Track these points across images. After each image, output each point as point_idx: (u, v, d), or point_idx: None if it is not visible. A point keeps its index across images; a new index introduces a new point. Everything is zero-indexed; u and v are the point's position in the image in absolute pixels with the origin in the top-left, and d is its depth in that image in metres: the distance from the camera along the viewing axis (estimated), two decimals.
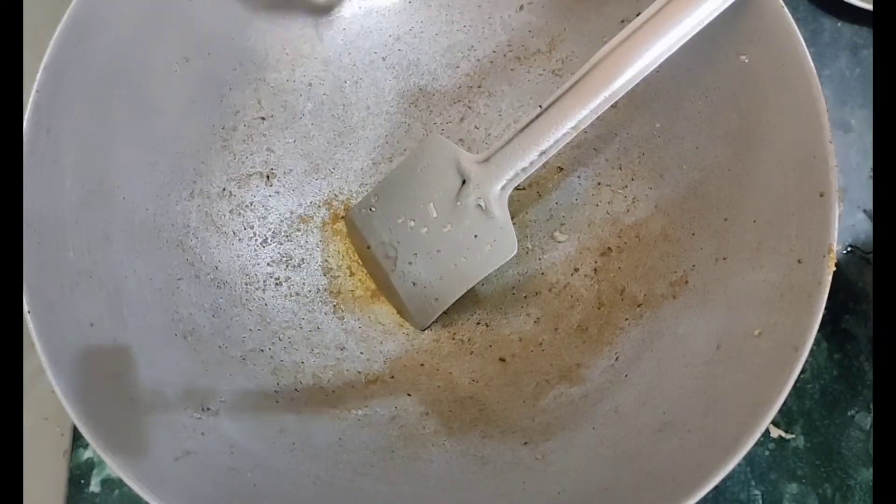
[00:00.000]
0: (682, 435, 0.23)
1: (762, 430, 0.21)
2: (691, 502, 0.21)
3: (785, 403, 0.30)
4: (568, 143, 0.25)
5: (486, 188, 0.26)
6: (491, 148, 0.26)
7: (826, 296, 0.22)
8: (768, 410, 0.22)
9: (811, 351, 0.30)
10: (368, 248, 0.29)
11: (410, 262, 0.28)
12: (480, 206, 0.26)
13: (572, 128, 0.24)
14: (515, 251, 0.26)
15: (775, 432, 0.30)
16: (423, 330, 0.29)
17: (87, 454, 0.30)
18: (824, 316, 0.22)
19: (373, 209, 0.28)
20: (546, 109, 0.25)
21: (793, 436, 0.30)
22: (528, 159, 0.25)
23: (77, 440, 0.30)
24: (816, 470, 0.30)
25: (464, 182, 0.26)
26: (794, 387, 0.30)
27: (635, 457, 0.23)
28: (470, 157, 0.26)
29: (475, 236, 0.26)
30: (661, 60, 0.24)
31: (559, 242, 0.29)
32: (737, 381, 0.23)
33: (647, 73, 0.24)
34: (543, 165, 0.26)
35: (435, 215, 0.27)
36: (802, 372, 0.31)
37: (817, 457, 0.30)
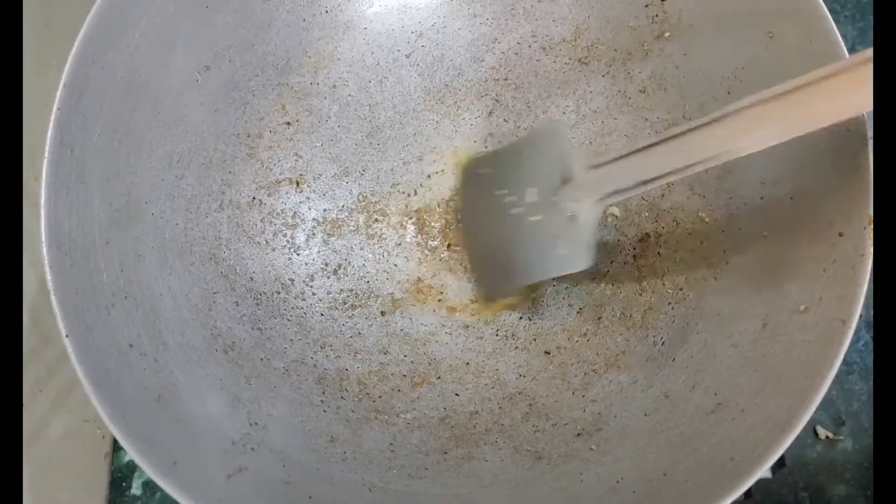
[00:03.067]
0: (735, 415, 0.23)
1: (816, 404, 0.22)
2: (751, 481, 0.21)
3: (833, 405, 0.30)
4: (599, 131, 0.24)
5: (582, 195, 0.25)
6: (602, 157, 0.25)
7: (870, 267, 0.22)
8: (821, 384, 0.22)
9: (859, 352, 0.31)
10: (470, 204, 0.28)
11: (497, 235, 0.27)
12: (572, 210, 0.25)
13: (688, 166, 0.22)
14: (586, 266, 0.25)
15: (823, 434, 0.30)
16: (486, 303, 0.28)
17: (128, 457, 0.30)
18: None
19: (487, 170, 0.28)
20: (675, 137, 0.22)
21: (840, 437, 0.30)
22: (630, 181, 0.23)
23: (118, 442, 0.30)
24: (864, 472, 0.30)
25: (566, 181, 0.25)
26: (842, 388, 0.30)
27: (691, 440, 0.23)
28: (581, 158, 0.25)
29: (556, 237, 0.26)
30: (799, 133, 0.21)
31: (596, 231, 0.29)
32: (786, 357, 0.23)
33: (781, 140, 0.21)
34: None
35: (532, 200, 0.26)
36: (850, 374, 0.31)
37: (865, 459, 0.30)
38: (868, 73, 0.19)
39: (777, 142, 0.21)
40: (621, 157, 0.24)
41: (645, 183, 0.23)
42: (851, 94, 0.20)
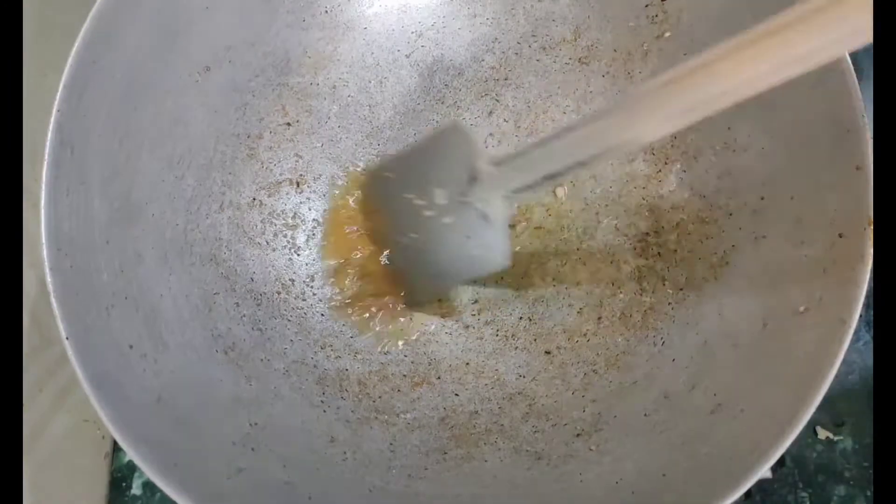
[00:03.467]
0: (735, 415, 0.23)
1: (816, 404, 0.22)
2: (751, 481, 0.21)
3: (833, 405, 0.30)
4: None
5: (490, 192, 0.24)
6: (507, 154, 0.24)
7: (870, 267, 0.22)
8: (821, 385, 0.22)
9: (859, 352, 0.31)
10: (377, 210, 0.28)
11: (410, 241, 0.27)
12: (481, 209, 0.25)
13: (589, 158, 0.21)
14: (504, 265, 0.25)
15: (823, 434, 0.30)
16: (411, 308, 0.28)
17: (128, 457, 0.30)
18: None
19: (389, 174, 0.28)
20: (577, 127, 0.21)
21: (840, 437, 0.30)
22: (535, 176, 0.22)
23: (118, 443, 0.30)
24: (864, 472, 0.30)
25: (473, 180, 0.25)
26: (843, 388, 0.30)
27: (691, 440, 0.23)
28: (486, 155, 0.25)
29: (468, 238, 0.25)
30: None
31: (596, 231, 0.29)
32: (786, 357, 0.23)
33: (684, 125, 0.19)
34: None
35: (441, 202, 0.26)
36: (850, 374, 0.31)
37: (865, 458, 0.30)
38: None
39: (683, 125, 0.19)
40: (523, 152, 0.23)
41: (550, 177, 0.22)
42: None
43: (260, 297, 0.27)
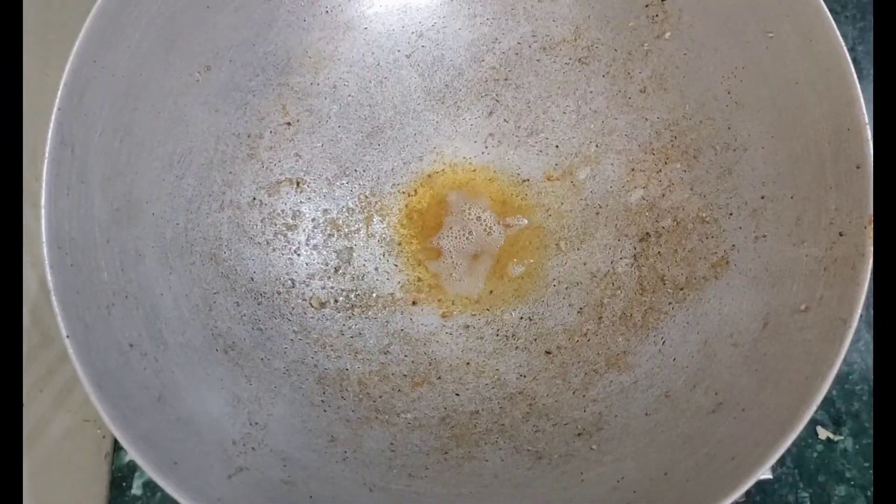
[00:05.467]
0: (737, 414, 0.23)
1: (816, 403, 0.22)
2: (752, 481, 0.21)
3: (833, 405, 0.30)
4: (599, 130, 0.24)
5: None
6: None
7: (870, 266, 0.22)
8: (822, 384, 0.22)
9: (859, 352, 0.31)
10: None
11: None
12: None
13: None
14: None
15: (823, 434, 0.30)
16: None
17: (128, 457, 0.30)
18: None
19: None
20: None
21: (841, 437, 0.30)
22: None
23: (119, 442, 0.30)
24: (865, 472, 0.30)
25: None
26: (843, 388, 0.31)
27: (692, 439, 0.23)
28: None
29: None
30: None
31: (596, 230, 0.29)
32: (787, 356, 0.23)
33: None
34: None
35: None
36: (850, 374, 0.31)
37: (866, 459, 0.30)
38: None
39: None
40: None
41: None
42: None
43: (260, 296, 0.27)
